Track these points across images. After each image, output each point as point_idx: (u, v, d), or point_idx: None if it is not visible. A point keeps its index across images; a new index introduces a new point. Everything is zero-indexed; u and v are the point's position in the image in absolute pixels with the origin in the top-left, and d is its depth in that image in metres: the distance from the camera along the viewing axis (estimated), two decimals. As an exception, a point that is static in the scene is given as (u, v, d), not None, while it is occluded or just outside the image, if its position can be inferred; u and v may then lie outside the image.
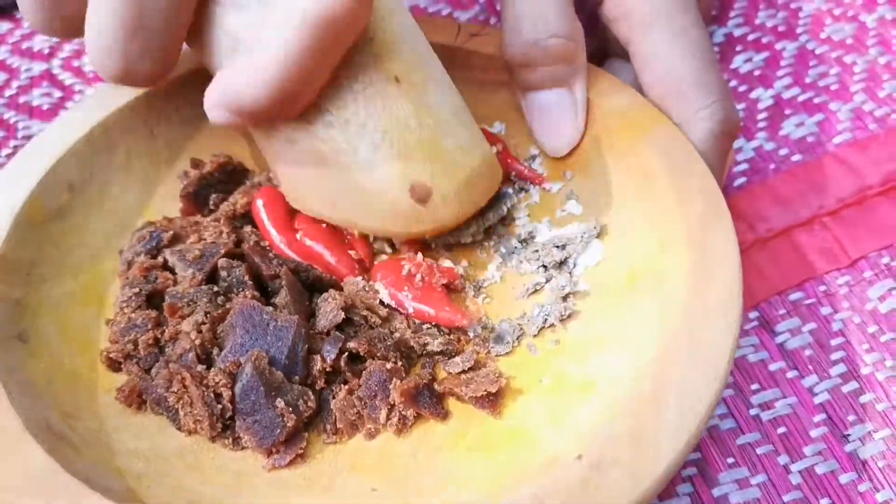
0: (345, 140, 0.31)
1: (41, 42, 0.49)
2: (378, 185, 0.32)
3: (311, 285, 0.34)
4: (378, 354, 0.31)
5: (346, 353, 0.31)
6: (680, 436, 0.26)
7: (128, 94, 0.37)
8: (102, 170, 0.36)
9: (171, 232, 0.35)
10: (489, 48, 0.38)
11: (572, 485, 0.26)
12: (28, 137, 0.44)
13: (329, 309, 0.32)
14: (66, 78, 0.47)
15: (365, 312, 0.33)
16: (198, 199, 0.36)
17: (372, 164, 0.31)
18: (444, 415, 0.31)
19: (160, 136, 0.38)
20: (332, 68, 0.30)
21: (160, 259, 0.34)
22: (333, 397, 0.31)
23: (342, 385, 0.31)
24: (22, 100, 0.46)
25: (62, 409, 0.30)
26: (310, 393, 0.30)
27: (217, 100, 0.29)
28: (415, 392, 0.31)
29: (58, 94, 0.46)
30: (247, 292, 0.32)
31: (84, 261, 0.34)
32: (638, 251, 0.33)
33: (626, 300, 0.32)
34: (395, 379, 0.31)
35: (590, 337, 0.32)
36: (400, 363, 0.31)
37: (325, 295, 0.32)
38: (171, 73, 0.37)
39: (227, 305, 0.32)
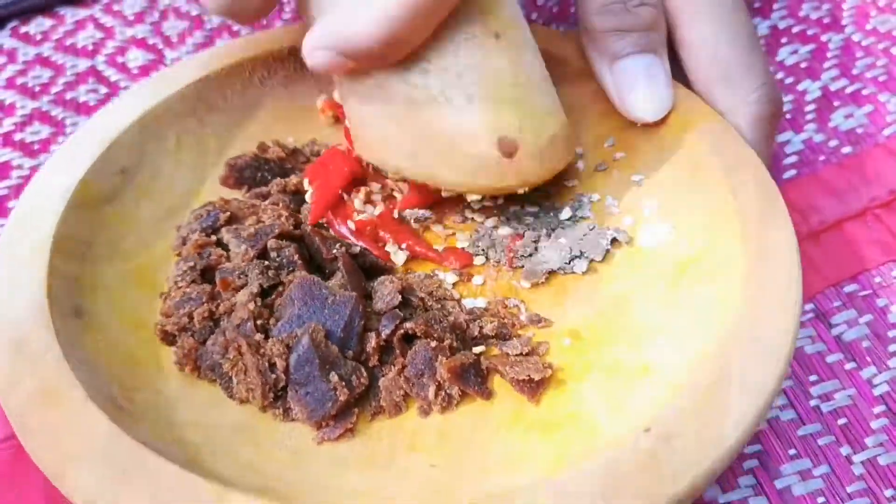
0: (439, 88, 0.32)
1: (85, 38, 0.49)
2: (467, 135, 0.32)
3: (366, 270, 0.34)
4: (435, 335, 0.31)
5: (402, 332, 0.31)
6: (745, 416, 0.26)
7: (177, 82, 0.37)
8: (153, 156, 0.37)
9: (229, 213, 0.35)
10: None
11: (639, 457, 0.26)
12: (76, 133, 0.45)
13: (387, 291, 0.32)
14: (112, 74, 0.47)
15: (422, 295, 0.33)
16: (242, 174, 0.37)
17: (463, 114, 0.32)
18: (488, 394, 0.31)
19: (209, 125, 0.38)
20: (441, 19, 0.30)
21: (214, 238, 0.34)
22: (384, 376, 0.31)
23: (392, 366, 0.31)
24: (69, 96, 0.46)
25: (120, 382, 0.30)
26: (362, 369, 0.30)
27: (324, 41, 0.31)
28: (460, 370, 0.31)
29: (104, 90, 0.46)
30: (300, 271, 0.33)
31: (136, 246, 0.35)
32: (690, 241, 0.33)
33: (677, 289, 0.32)
34: (440, 356, 0.31)
35: (642, 324, 0.32)
36: (455, 343, 0.31)
37: (381, 278, 0.33)
38: (221, 62, 0.38)
39: (280, 281, 0.32)
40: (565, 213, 0.36)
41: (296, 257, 0.33)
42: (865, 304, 0.37)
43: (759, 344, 0.28)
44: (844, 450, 0.33)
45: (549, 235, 0.35)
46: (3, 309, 0.30)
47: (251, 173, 0.37)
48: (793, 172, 0.41)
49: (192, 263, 0.33)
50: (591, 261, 0.34)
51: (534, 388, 0.31)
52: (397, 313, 0.31)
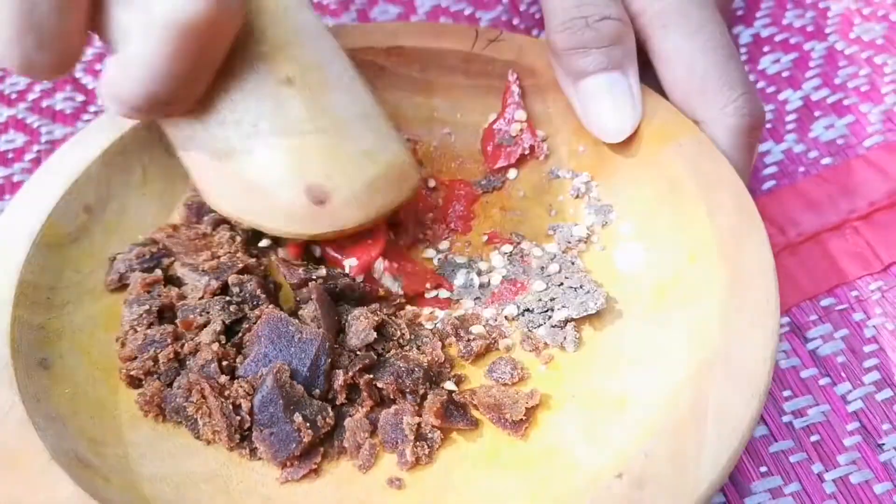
0: (238, 139, 0.31)
1: (63, 45, 0.49)
2: (274, 186, 0.31)
3: (339, 293, 0.33)
4: (407, 390, 0.31)
5: (370, 378, 0.31)
6: (720, 455, 0.26)
7: None
8: (119, 190, 0.36)
9: (172, 259, 0.34)
10: (509, 54, 0.38)
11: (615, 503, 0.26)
12: (51, 142, 0.44)
13: (361, 328, 0.31)
14: (89, 82, 0.47)
15: (395, 329, 0.32)
16: (201, 212, 0.36)
17: (266, 165, 0.31)
18: (475, 424, 0.31)
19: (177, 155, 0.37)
20: (212, 69, 0.29)
21: (158, 273, 0.33)
22: (350, 416, 0.31)
23: (360, 407, 0.31)
24: (45, 104, 0.46)
25: (88, 436, 0.29)
26: (329, 409, 0.30)
27: (103, 91, 0.30)
28: (444, 411, 0.30)
29: (80, 98, 0.46)
30: (266, 307, 0.32)
31: (102, 284, 0.34)
32: (667, 263, 0.33)
33: (655, 314, 0.32)
34: (406, 417, 0.30)
35: (619, 350, 0.32)
36: (423, 391, 0.31)
37: (355, 312, 0.32)
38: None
39: (244, 315, 0.32)
40: (552, 248, 0.36)
41: (258, 291, 0.32)
42: (842, 318, 0.37)
43: (735, 377, 0.28)
44: (816, 467, 0.33)
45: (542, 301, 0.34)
46: None
47: (210, 209, 0.36)
48: (772, 183, 0.41)
49: (146, 306, 0.32)
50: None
51: (517, 426, 0.30)
52: (370, 356, 0.31)
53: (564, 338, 0.32)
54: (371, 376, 0.31)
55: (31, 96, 0.46)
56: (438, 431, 0.30)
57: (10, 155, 0.44)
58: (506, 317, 0.34)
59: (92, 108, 0.46)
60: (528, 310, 0.34)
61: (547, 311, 0.33)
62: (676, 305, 0.31)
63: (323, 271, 0.33)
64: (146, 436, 0.30)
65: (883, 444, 0.33)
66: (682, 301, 0.31)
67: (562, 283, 0.34)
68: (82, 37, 0.30)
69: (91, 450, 0.29)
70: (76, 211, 0.34)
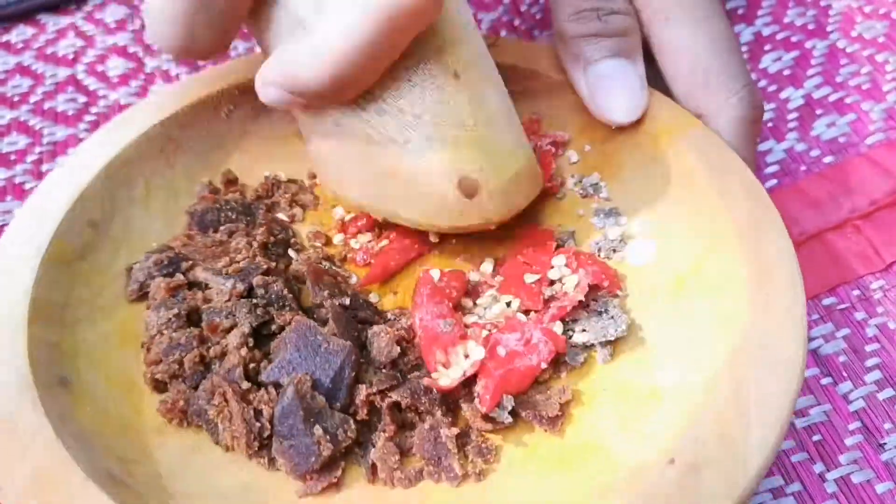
0: (397, 129, 0.31)
1: (66, 47, 0.49)
2: (426, 176, 0.31)
3: (361, 321, 0.33)
4: (422, 408, 0.30)
5: (391, 401, 0.30)
6: (767, 438, 0.26)
7: (142, 123, 0.36)
8: (123, 204, 0.35)
9: (191, 262, 0.34)
10: (506, 58, 0.37)
11: (670, 490, 0.25)
12: (53, 143, 0.44)
13: (384, 344, 0.31)
14: (91, 83, 0.47)
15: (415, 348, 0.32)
16: (204, 219, 0.36)
17: (422, 155, 0.31)
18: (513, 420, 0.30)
19: (178, 165, 0.37)
20: (395, 57, 0.30)
21: (180, 277, 0.33)
22: (375, 430, 0.30)
23: (383, 432, 0.30)
24: (47, 106, 0.46)
25: (117, 455, 0.29)
26: (351, 422, 0.29)
27: (273, 77, 0.30)
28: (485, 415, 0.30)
29: (82, 99, 0.46)
30: (290, 313, 0.32)
31: (114, 301, 0.33)
32: (684, 254, 0.33)
33: (678, 305, 0.32)
34: (443, 430, 0.30)
35: (645, 344, 0.32)
36: (444, 412, 0.30)
37: (375, 329, 0.32)
38: (186, 99, 0.37)
39: (270, 317, 0.32)
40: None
41: (285, 291, 0.32)
42: (843, 317, 0.36)
43: (771, 359, 0.28)
44: (818, 467, 0.33)
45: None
46: None
47: (213, 216, 0.36)
48: (773, 182, 0.41)
49: (175, 310, 0.32)
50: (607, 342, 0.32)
51: (554, 420, 0.30)
52: (395, 376, 0.31)
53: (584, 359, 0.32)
54: (393, 399, 0.30)
55: (33, 98, 0.46)
56: (490, 441, 0.30)
57: (13, 157, 0.44)
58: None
59: (94, 110, 0.46)
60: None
61: (567, 332, 0.32)
62: (699, 296, 0.31)
63: (347, 300, 0.33)
64: (174, 453, 0.30)
65: (885, 444, 0.33)
66: (705, 291, 0.31)
67: (588, 306, 0.32)
68: (242, 20, 0.31)
69: (121, 468, 0.28)
70: (82, 227, 0.34)
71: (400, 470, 0.29)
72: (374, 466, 0.29)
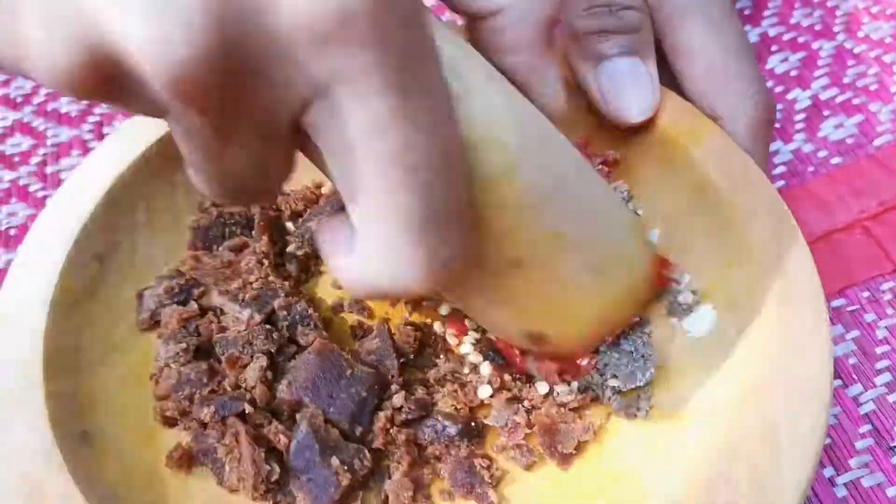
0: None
1: (69, 48, 0.48)
2: (498, 325, 0.31)
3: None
4: (437, 452, 0.30)
5: (409, 434, 0.30)
6: (800, 476, 0.25)
7: (139, 142, 0.34)
8: (126, 232, 0.34)
9: (203, 288, 0.33)
10: None
11: None
12: (57, 145, 0.44)
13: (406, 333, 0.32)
14: (94, 84, 0.47)
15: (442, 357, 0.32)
16: (208, 234, 0.35)
17: (488, 311, 0.30)
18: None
19: (179, 184, 0.35)
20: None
21: (193, 306, 0.32)
22: (391, 459, 0.30)
23: (399, 463, 0.30)
24: (50, 107, 0.46)
25: None
26: (366, 451, 0.29)
27: (360, 284, 0.24)
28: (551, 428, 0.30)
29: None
30: (314, 332, 0.31)
31: (128, 334, 0.33)
32: (703, 269, 0.32)
33: (698, 324, 0.31)
34: (476, 461, 0.29)
35: (668, 363, 0.31)
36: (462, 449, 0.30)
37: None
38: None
39: (290, 338, 0.31)
40: None
41: (310, 311, 0.32)
42: (853, 319, 0.36)
43: (799, 384, 0.27)
44: (828, 471, 0.32)
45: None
46: (4, 451, 0.27)
47: (218, 231, 0.35)
48: (781, 183, 0.41)
49: (183, 345, 0.31)
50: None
51: (566, 457, 0.29)
52: (417, 410, 0.30)
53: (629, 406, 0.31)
54: (411, 431, 0.30)
55: (36, 100, 0.46)
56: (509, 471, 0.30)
57: (17, 158, 0.44)
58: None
59: (97, 111, 0.46)
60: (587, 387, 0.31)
61: (603, 376, 0.31)
62: (719, 314, 0.31)
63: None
64: (205, 501, 0.29)
65: (895, 447, 0.33)
66: (727, 307, 0.30)
67: (619, 344, 0.31)
68: (278, 184, 0.25)
69: None
70: (87, 262, 0.32)
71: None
72: (386, 499, 0.29)
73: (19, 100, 0.46)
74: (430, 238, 0.22)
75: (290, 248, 0.35)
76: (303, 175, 0.37)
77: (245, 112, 0.21)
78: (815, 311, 0.28)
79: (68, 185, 0.34)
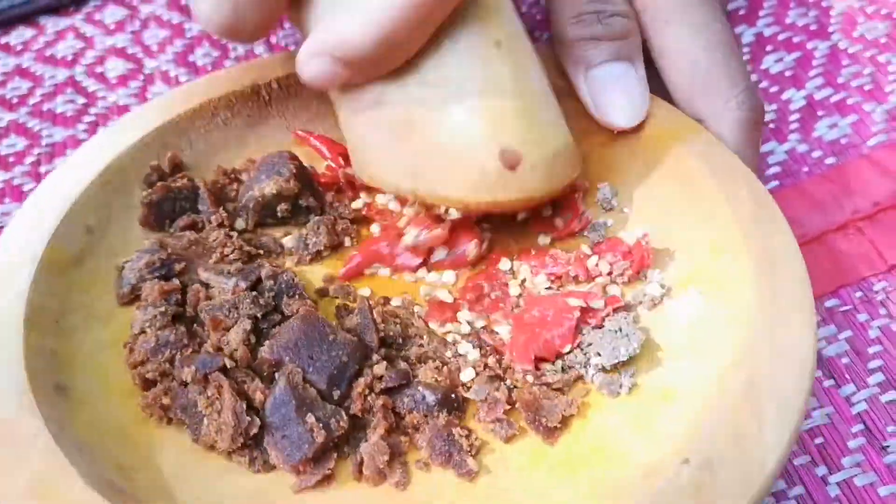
0: (440, 99, 0.31)
1: (65, 48, 0.49)
2: (468, 147, 0.31)
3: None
4: (415, 421, 0.30)
5: (385, 401, 0.30)
6: (782, 434, 0.26)
7: (139, 129, 0.36)
8: (119, 212, 0.35)
9: (184, 263, 0.33)
10: None
11: (685, 490, 0.25)
12: (52, 145, 0.44)
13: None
14: (90, 84, 0.47)
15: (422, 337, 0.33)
16: (161, 209, 0.35)
17: (464, 126, 0.31)
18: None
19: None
20: (438, 23, 0.30)
21: (175, 282, 0.33)
22: (368, 427, 0.30)
23: (375, 429, 0.30)
24: (45, 107, 0.46)
25: (116, 462, 0.28)
26: (343, 413, 0.29)
27: (318, 48, 0.30)
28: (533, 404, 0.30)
29: (81, 100, 0.46)
30: (299, 301, 0.32)
31: (111, 306, 0.33)
32: (690, 257, 0.33)
33: (685, 307, 0.32)
34: (455, 430, 0.29)
35: (653, 345, 0.31)
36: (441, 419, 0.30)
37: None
38: (183, 105, 0.37)
39: (276, 306, 0.32)
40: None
41: (296, 280, 0.32)
42: (846, 319, 0.36)
43: (783, 357, 0.28)
44: (820, 470, 0.32)
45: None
46: None
47: (169, 206, 0.35)
48: (775, 183, 0.41)
49: (162, 308, 0.31)
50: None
51: (551, 432, 0.29)
52: (396, 379, 0.30)
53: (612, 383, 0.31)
54: (390, 399, 0.30)
55: (31, 100, 0.46)
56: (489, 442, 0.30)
57: (11, 159, 0.44)
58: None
59: (92, 111, 0.46)
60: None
61: (586, 355, 0.31)
62: (708, 297, 0.31)
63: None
64: (175, 460, 0.29)
65: (887, 447, 0.33)
66: (713, 292, 0.31)
67: (602, 326, 0.32)
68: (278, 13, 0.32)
69: (121, 476, 0.28)
70: (78, 232, 0.34)
71: (387, 470, 0.29)
72: (361, 462, 0.29)
73: (15, 100, 0.46)
74: None
75: (237, 225, 0.36)
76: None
77: None
78: (800, 286, 0.29)
79: (67, 162, 0.35)
